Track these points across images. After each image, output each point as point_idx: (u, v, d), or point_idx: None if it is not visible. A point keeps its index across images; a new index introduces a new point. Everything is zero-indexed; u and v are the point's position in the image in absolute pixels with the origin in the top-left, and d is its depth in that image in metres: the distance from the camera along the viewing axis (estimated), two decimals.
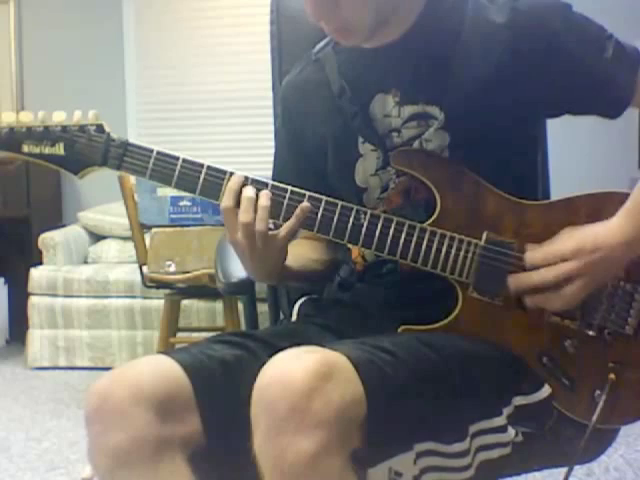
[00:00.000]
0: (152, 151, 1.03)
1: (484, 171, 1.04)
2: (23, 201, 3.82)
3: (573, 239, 0.98)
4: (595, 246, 0.97)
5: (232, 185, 1.01)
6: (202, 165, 1.02)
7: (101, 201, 3.92)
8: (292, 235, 1.03)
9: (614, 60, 1.04)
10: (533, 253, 1.00)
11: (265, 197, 1.00)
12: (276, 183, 1.03)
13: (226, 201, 1.01)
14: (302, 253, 1.18)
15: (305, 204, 1.01)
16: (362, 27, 1.04)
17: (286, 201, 1.02)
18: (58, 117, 1.04)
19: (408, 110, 1.08)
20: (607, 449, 1.13)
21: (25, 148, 1.04)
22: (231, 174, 1.02)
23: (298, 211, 1.01)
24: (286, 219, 1.02)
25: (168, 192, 2.63)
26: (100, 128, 1.03)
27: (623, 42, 1.05)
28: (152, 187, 2.63)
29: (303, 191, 1.02)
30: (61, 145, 1.03)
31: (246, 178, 1.02)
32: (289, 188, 1.02)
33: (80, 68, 4.14)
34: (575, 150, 3.36)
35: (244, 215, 0.99)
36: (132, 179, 2.69)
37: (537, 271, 0.99)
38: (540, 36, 1.03)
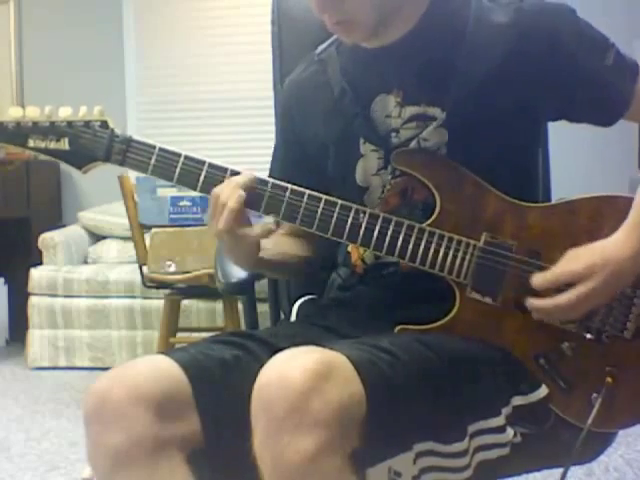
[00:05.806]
0: (155, 147, 1.04)
1: (482, 169, 1.04)
2: (23, 201, 3.83)
3: (582, 258, 0.98)
4: (605, 261, 0.96)
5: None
6: (203, 162, 1.04)
7: (101, 201, 3.92)
8: (239, 217, 1.00)
9: (614, 68, 1.05)
10: (545, 276, 0.99)
11: (243, 177, 1.01)
12: (276, 182, 1.03)
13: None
14: (280, 245, 1.18)
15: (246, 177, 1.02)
16: (365, 22, 1.03)
17: (286, 199, 1.02)
18: (64, 112, 1.06)
19: (409, 111, 1.08)
20: (606, 450, 1.13)
21: (31, 142, 1.05)
22: (231, 172, 1.03)
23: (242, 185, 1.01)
24: (286, 217, 1.02)
25: (168, 192, 2.63)
26: (104, 124, 1.05)
27: (624, 53, 1.06)
28: (152, 187, 2.63)
29: (302, 189, 1.03)
30: (66, 140, 1.05)
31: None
32: (289, 187, 1.02)
33: (80, 68, 4.14)
34: (575, 150, 3.36)
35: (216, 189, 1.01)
36: (132, 179, 2.69)
37: (558, 296, 0.97)
38: (543, 38, 1.03)
